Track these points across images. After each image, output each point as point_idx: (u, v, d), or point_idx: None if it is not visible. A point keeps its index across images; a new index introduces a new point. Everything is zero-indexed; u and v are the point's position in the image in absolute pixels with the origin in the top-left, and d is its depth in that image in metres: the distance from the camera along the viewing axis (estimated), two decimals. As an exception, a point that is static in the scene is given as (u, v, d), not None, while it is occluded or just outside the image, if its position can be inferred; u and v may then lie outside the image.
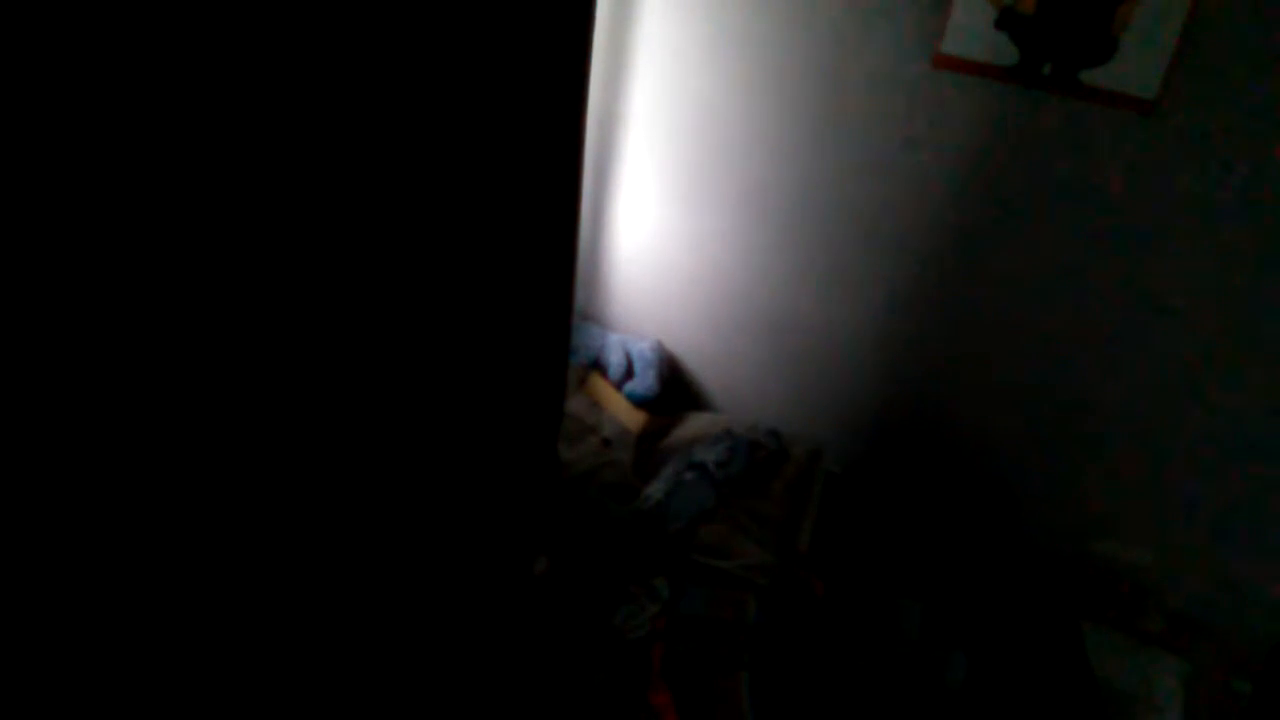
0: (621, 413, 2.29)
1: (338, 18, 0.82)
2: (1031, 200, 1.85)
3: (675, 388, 2.48)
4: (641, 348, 2.38)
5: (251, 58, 0.76)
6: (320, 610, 1.13)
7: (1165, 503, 2.00)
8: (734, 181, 2.15)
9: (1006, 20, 1.71)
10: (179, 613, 0.92)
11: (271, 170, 0.82)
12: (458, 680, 1.46)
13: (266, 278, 0.87)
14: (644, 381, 2.32)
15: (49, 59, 0.62)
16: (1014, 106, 1.78)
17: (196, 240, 0.78)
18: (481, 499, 1.41)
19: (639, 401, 2.29)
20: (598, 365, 2.42)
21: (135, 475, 0.82)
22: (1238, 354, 1.79)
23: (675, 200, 2.26)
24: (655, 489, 1.99)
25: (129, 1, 0.64)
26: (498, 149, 1.12)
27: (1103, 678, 1.79)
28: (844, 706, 1.69)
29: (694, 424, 2.29)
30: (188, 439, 0.86)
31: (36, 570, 0.77)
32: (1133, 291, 1.83)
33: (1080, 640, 1.88)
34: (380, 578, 1.23)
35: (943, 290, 2.03)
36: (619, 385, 2.35)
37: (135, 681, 0.90)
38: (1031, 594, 2.07)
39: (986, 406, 2.11)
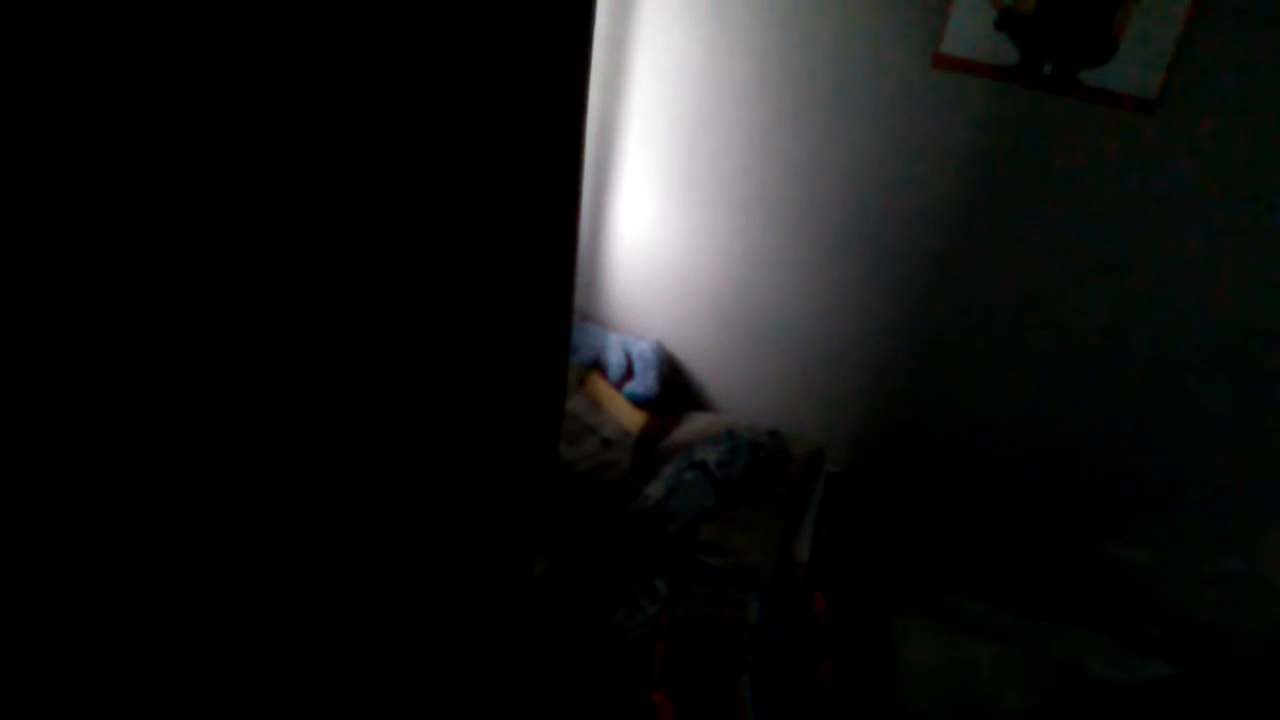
0: (621, 413, 2.29)
1: (339, 17, 0.82)
2: (1032, 200, 1.85)
3: (675, 388, 2.48)
4: (641, 348, 2.38)
5: (254, 59, 0.76)
6: (321, 610, 1.13)
7: (1164, 502, 2.00)
8: (734, 182, 2.15)
9: (1006, 20, 1.71)
10: (179, 613, 0.92)
11: (272, 172, 0.82)
12: (459, 680, 1.46)
13: (267, 279, 0.87)
14: (644, 381, 2.32)
15: (50, 59, 0.62)
16: (1014, 106, 1.77)
17: (197, 242, 0.78)
18: (482, 499, 1.41)
19: (639, 401, 2.29)
20: (598, 365, 2.42)
21: (137, 475, 0.82)
22: (1238, 353, 1.79)
23: (675, 200, 2.26)
24: (655, 489, 1.99)
25: (131, 2, 0.64)
26: (498, 149, 1.12)
27: (1098, 682, 1.78)
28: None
29: (694, 424, 2.29)
30: (189, 441, 0.86)
31: (36, 570, 0.77)
32: (1131, 290, 1.83)
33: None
34: (381, 578, 1.23)
35: (943, 290, 2.03)
36: (619, 385, 2.35)
37: (136, 680, 0.90)
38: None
39: (986, 405, 2.11)
